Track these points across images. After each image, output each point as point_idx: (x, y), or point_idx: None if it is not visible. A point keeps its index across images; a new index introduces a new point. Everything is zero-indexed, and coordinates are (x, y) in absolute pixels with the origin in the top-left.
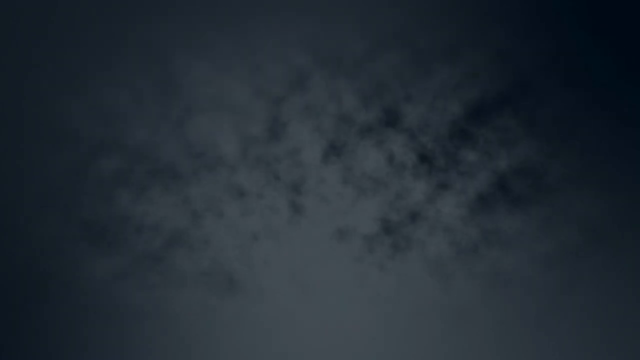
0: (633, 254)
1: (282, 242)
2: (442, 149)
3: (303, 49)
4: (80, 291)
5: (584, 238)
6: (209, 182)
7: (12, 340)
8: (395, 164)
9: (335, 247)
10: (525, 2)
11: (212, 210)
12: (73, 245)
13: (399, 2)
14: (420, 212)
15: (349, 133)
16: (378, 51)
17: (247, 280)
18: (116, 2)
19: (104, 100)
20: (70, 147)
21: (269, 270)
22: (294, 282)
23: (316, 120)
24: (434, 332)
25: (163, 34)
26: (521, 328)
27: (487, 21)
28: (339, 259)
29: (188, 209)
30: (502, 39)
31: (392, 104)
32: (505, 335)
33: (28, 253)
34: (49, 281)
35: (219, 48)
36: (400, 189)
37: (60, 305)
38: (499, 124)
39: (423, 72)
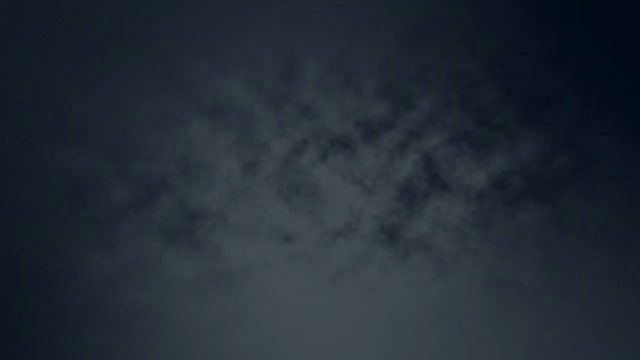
0: (633, 254)
1: (282, 241)
2: (442, 148)
3: (304, 49)
4: (80, 291)
5: (583, 238)
6: (208, 183)
7: (11, 339)
8: (396, 163)
9: (336, 247)
10: (528, 3)
11: (212, 210)
12: (73, 244)
13: (406, 9)
14: (421, 211)
15: (349, 133)
16: (383, 54)
17: (247, 280)
18: (118, 2)
19: (106, 99)
20: (72, 144)
21: (269, 270)
22: (294, 282)
23: (316, 119)
24: (435, 332)
25: (165, 34)
26: (522, 328)
27: (487, 22)
28: (340, 259)
29: (188, 209)
30: (504, 40)
31: (395, 106)
32: (505, 335)
33: (27, 252)
34: (48, 280)
35: (219, 48)
36: (400, 189)
37: (60, 304)
38: (499, 124)
39: (422, 72)
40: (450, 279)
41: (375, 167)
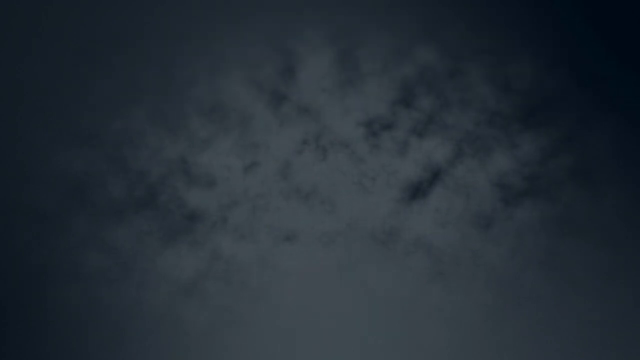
0: (633, 254)
1: (282, 241)
2: (442, 148)
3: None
4: (80, 290)
5: (583, 238)
6: (208, 183)
7: (9, 339)
8: (396, 163)
9: (336, 247)
10: (528, 3)
11: (212, 210)
12: (73, 244)
13: (406, 9)
14: (421, 212)
15: (349, 133)
16: (383, 54)
17: (247, 280)
18: (118, 1)
19: (106, 99)
20: (72, 144)
21: (269, 270)
22: (294, 282)
23: (316, 119)
24: (435, 332)
25: (164, 33)
26: (522, 328)
27: (487, 22)
28: (339, 259)
29: (188, 209)
30: (504, 40)
31: (395, 106)
32: (505, 335)
33: (27, 252)
34: (47, 280)
35: (219, 47)
36: (400, 189)
37: (59, 304)
38: (499, 124)
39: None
40: (450, 279)
41: (375, 167)
